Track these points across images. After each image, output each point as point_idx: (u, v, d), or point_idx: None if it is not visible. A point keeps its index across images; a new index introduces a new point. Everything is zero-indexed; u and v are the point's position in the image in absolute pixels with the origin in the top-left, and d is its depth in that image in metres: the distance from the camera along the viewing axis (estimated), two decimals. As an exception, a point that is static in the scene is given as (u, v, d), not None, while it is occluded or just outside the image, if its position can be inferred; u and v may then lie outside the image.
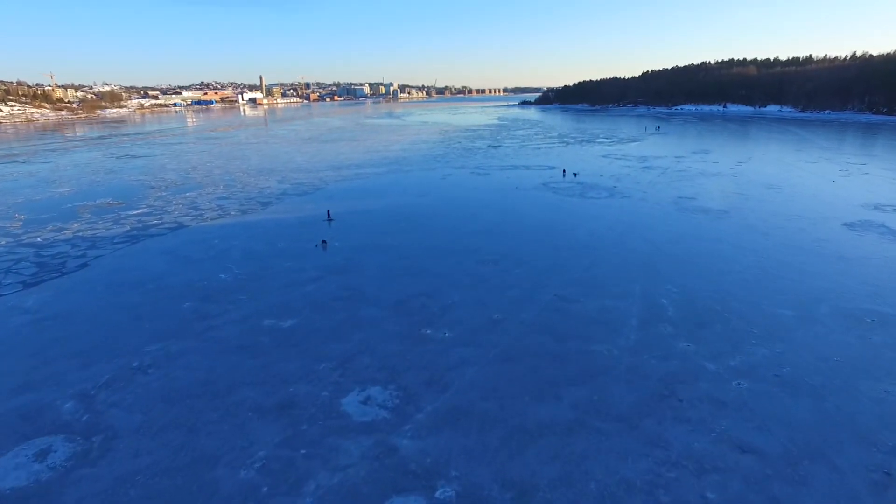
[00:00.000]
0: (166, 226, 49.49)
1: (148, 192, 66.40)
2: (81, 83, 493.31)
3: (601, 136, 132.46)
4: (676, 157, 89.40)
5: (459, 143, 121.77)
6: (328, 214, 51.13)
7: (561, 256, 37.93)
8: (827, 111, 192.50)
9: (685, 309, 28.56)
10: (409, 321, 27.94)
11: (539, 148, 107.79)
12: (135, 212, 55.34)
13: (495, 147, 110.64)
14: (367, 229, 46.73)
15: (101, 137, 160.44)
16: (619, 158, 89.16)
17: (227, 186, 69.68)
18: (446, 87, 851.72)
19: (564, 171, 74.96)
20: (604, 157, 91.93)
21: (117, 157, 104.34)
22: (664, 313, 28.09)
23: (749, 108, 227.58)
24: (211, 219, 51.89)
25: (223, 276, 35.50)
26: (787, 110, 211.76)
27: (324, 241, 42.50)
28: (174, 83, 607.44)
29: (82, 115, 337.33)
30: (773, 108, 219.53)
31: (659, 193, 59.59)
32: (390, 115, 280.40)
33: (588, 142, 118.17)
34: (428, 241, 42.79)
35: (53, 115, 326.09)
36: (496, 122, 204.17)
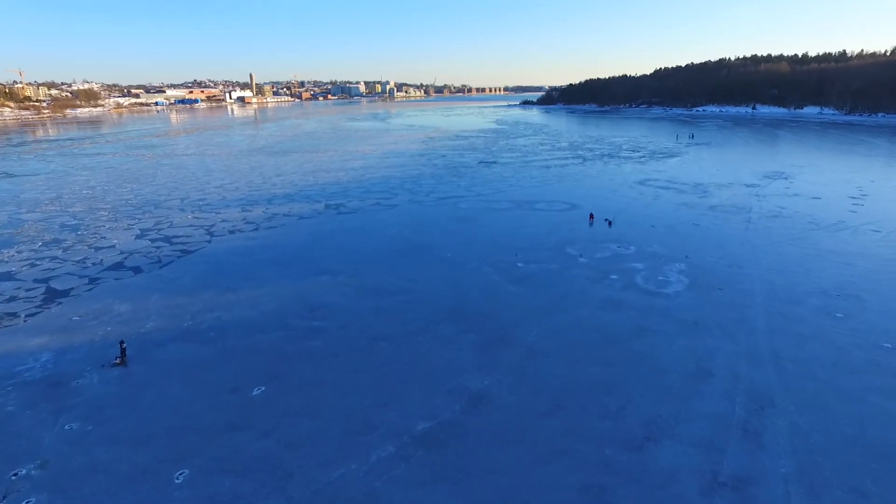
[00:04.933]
0: None
1: None
2: (64, 81, 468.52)
3: (624, 146, 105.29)
4: (747, 185, 62.34)
5: (444, 156, 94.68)
6: (121, 351, 24.29)
7: None
8: (881, 113, 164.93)
9: None
10: None
11: (547, 166, 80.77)
12: None
13: (489, 165, 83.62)
14: (169, 416, 19.81)
15: (21, 144, 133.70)
16: (665, 187, 62.16)
17: (48, 244, 42.88)
18: (445, 86, 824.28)
19: (592, 215, 48.07)
20: (641, 184, 64.96)
21: (-20, 178, 77.56)
22: None
23: (783, 110, 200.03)
24: None
25: None
26: (829, 112, 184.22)
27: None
28: (167, 81, 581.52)
29: (47, 115, 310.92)
30: (811, 110, 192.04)
31: (776, 278, 32.59)
32: (376, 116, 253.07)
33: (610, 156, 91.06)
34: (278, 490, 15.94)
35: (13, 115, 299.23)
36: (493, 126, 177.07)
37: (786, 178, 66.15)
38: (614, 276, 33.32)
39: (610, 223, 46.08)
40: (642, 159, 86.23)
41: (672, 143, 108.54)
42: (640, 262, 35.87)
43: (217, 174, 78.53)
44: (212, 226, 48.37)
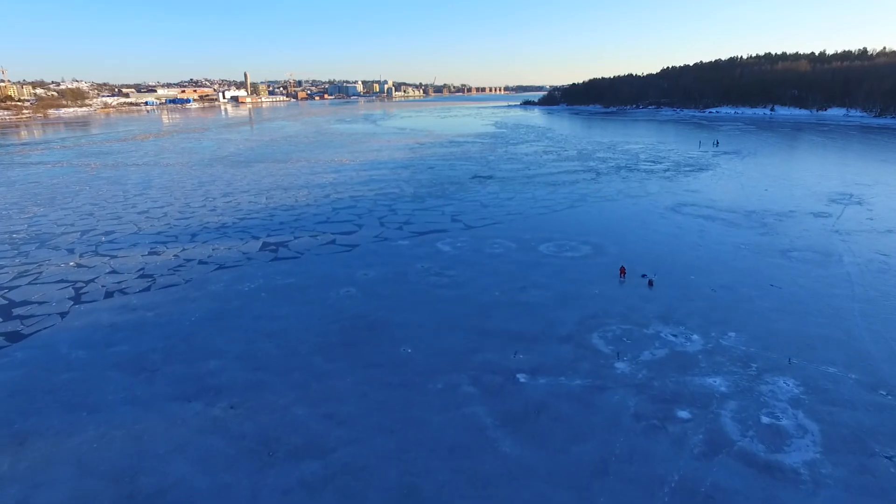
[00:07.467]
0: None
1: None
2: (54, 80, 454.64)
3: (642, 155, 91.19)
4: (815, 214, 48.35)
5: (431, 168, 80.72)
6: None
7: None
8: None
9: None
10: None
11: (555, 183, 66.84)
12: None
13: (483, 181, 69.60)
14: None
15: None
16: (709, 217, 48.19)
17: None
18: (444, 86, 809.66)
19: (624, 269, 34.03)
20: (675, 211, 51.01)
21: None
22: None
23: (804, 112, 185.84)
24: None
25: None
26: (857, 115, 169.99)
27: None
28: (163, 80, 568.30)
29: (27, 116, 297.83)
30: (835, 112, 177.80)
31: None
32: (369, 117, 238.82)
33: (629, 169, 77.06)
34: None
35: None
36: (492, 129, 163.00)
37: (859, 203, 52.12)
38: (683, 414, 19.38)
39: (651, 282, 32.18)
40: (668, 174, 72.15)
41: (696, 152, 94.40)
42: (719, 376, 21.91)
43: (153, 192, 64.65)
44: (89, 282, 34.49)
